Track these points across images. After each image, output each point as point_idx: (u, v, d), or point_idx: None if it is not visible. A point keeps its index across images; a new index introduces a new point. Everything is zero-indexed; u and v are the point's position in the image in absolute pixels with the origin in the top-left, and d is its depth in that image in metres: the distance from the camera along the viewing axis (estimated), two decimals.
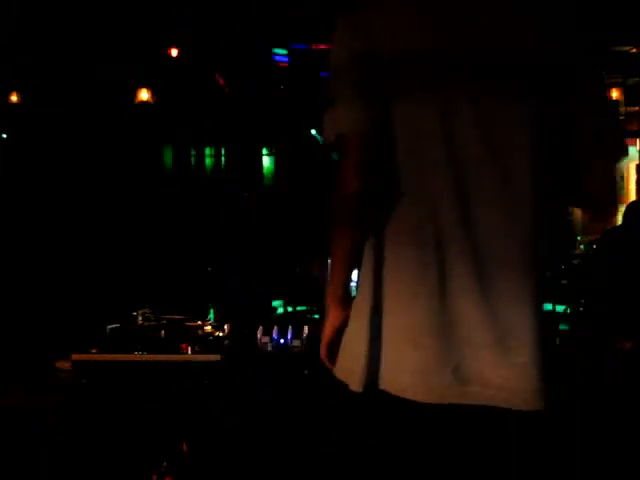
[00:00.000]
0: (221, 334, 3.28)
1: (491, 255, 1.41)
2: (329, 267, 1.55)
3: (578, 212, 12.57)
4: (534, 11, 1.46)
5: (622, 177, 11.59)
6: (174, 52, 7.80)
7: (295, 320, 4.94)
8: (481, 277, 1.41)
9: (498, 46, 1.43)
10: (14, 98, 8.41)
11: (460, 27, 1.43)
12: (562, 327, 5.53)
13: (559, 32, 1.47)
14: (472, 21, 1.44)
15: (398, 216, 1.47)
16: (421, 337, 1.42)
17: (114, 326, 3.27)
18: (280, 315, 6.61)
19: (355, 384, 1.48)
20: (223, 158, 11.67)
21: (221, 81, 8.42)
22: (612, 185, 1.55)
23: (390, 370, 1.45)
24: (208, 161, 11.77)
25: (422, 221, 1.43)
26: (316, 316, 5.78)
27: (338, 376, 1.55)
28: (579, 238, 10.31)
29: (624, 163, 11.33)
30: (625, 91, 8.04)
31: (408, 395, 1.43)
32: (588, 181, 1.50)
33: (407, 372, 1.43)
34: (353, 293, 1.57)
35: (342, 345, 1.55)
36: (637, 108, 9.15)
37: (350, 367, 1.51)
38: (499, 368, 1.41)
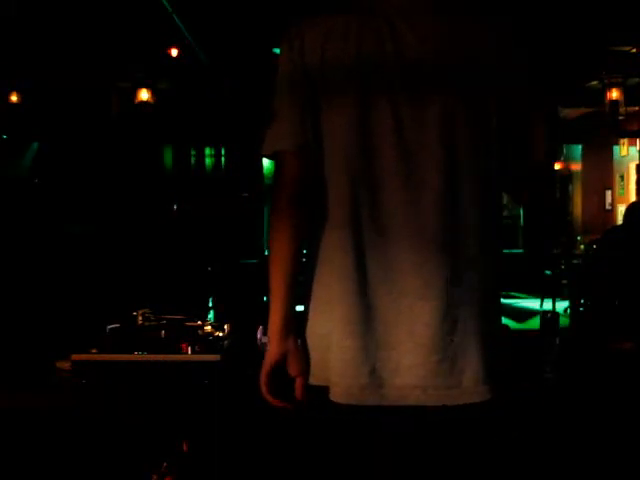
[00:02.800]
0: (221, 334, 3.28)
1: (402, 257, 1.46)
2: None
3: (578, 212, 12.59)
4: (464, 26, 1.51)
5: (622, 177, 11.59)
6: (174, 52, 7.80)
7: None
8: (393, 277, 1.46)
9: (423, 58, 1.47)
10: (14, 98, 8.41)
11: (386, 38, 1.48)
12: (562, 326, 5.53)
13: (489, 47, 1.51)
14: (399, 32, 1.48)
15: (322, 223, 1.52)
16: (344, 338, 1.47)
17: (114, 326, 3.27)
18: None
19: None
20: (223, 158, 11.67)
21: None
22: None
23: (323, 371, 1.51)
24: (208, 161, 11.78)
25: (343, 225, 1.49)
26: None
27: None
28: (579, 238, 10.33)
29: (624, 162, 11.32)
30: (625, 91, 8.05)
31: (331, 397, 1.48)
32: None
33: (332, 374, 1.49)
34: None
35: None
36: (637, 108, 9.16)
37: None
38: (409, 367, 1.45)
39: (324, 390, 1.50)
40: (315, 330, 1.53)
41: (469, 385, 1.46)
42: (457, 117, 1.48)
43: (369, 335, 1.46)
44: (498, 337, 1.53)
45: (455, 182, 1.48)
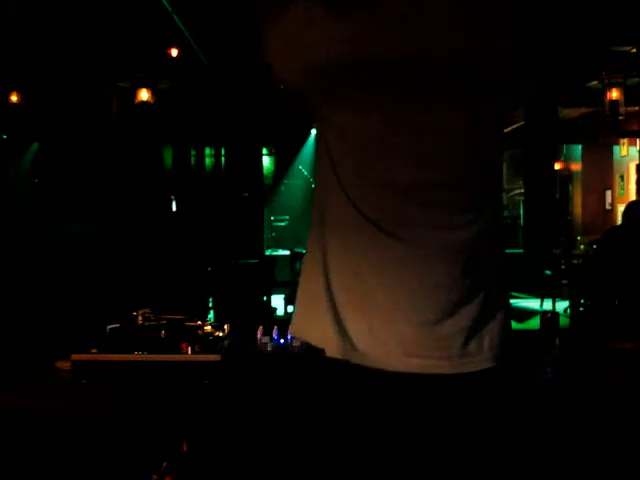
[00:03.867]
0: (221, 334, 3.28)
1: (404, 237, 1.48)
2: None
3: (578, 212, 12.59)
4: (465, 25, 1.51)
5: (622, 177, 11.59)
6: (174, 52, 7.81)
7: None
8: (399, 257, 1.48)
9: (435, 51, 1.48)
10: (14, 98, 8.42)
11: (395, 35, 1.48)
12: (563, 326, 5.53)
13: (489, 46, 1.52)
14: (407, 27, 1.48)
15: (340, 204, 1.52)
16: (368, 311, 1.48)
17: (114, 326, 3.27)
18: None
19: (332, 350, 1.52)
20: (223, 158, 11.68)
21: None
22: None
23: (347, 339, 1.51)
24: (208, 161, 11.78)
25: (347, 224, 1.51)
26: None
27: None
28: (579, 238, 10.34)
29: (624, 162, 11.32)
30: (625, 91, 8.05)
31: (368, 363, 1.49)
32: None
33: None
34: None
35: (301, 305, 1.59)
36: (637, 108, 9.17)
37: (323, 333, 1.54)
38: (407, 340, 1.46)
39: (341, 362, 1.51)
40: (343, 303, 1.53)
41: (483, 353, 1.49)
42: (457, 118, 1.49)
43: (374, 307, 1.48)
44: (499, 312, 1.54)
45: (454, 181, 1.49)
